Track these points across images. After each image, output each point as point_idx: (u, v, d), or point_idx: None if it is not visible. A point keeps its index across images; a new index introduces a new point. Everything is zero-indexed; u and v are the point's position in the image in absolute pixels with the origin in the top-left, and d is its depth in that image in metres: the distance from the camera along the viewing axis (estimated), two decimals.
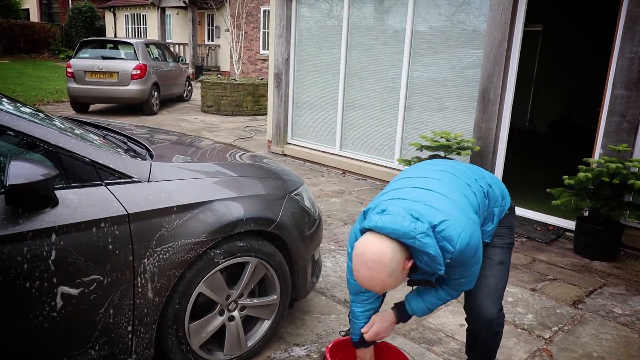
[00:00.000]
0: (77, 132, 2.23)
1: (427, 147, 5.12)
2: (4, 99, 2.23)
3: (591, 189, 4.20)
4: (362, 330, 2.17)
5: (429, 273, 1.91)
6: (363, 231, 1.87)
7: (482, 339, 2.20)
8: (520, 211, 5.21)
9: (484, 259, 2.12)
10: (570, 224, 4.69)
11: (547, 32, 9.53)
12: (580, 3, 8.62)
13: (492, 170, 5.31)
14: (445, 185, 1.98)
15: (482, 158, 5.26)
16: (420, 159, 5.24)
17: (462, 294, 2.20)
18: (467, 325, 2.27)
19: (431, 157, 5.22)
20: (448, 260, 1.82)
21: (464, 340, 2.88)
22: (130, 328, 2.08)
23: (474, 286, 2.14)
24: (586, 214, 4.48)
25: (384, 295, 2.24)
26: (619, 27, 4.30)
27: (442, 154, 5.18)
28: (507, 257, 2.22)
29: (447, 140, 5.06)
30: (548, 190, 4.49)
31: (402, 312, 2.15)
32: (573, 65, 9.33)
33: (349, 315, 2.29)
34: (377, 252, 1.75)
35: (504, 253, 2.21)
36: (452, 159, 5.13)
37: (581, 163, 4.26)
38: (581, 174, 4.08)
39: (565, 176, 4.26)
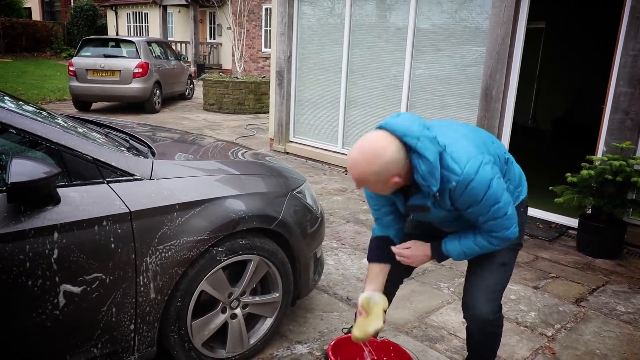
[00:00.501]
0: (79, 130, 2.22)
1: None
2: (6, 97, 2.23)
3: (594, 186, 4.19)
4: (393, 248, 2.12)
5: (426, 196, 1.85)
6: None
7: (475, 339, 2.19)
8: None
9: (485, 258, 2.08)
10: (573, 222, 4.68)
11: (550, 30, 9.49)
12: (583, 0, 8.58)
13: None
14: (465, 129, 1.97)
15: None
16: None
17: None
18: None
19: None
20: (454, 183, 1.77)
21: None
22: (132, 326, 2.08)
23: (471, 284, 2.12)
24: (589, 211, 4.46)
25: (400, 225, 2.18)
26: (623, 24, 4.28)
27: None
28: (510, 258, 2.14)
29: None
30: (551, 188, 4.47)
31: (437, 250, 2.07)
32: (576, 63, 9.30)
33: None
34: (380, 148, 1.74)
35: (508, 254, 2.12)
36: None
37: (584, 161, 4.25)
38: (584, 172, 4.07)
39: (568, 174, 4.24)
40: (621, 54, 4.29)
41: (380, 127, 1.81)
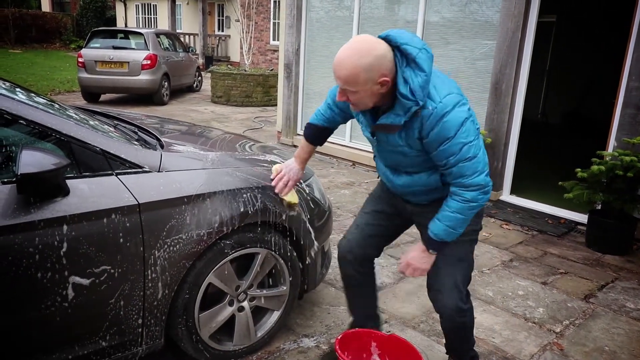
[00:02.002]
0: (88, 121, 2.23)
1: None
2: (18, 89, 2.23)
3: (604, 182, 4.15)
4: (398, 268, 2.13)
5: (403, 112, 1.81)
6: None
7: (448, 329, 2.24)
8: (531, 204, 5.17)
9: (441, 258, 2.06)
10: (582, 218, 4.64)
11: (561, 23, 9.40)
12: None
13: (504, 162, 5.26)
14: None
15: (493, 150, 5.21)
16: None
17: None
18: None
19: None
20: (430, 109, 1.76)
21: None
22: (140, 318, 2.08)
23: (435, 282, 2.11)
24: (599, 207, 4.43)
25: (335, 125, 2.32)
26: (636, 17, 4.23)
27: None
28: (466, 251, 2.13)
29: None
30: (560, 183, 4.44)
31: (427, 240, 2.01)
32: (587, 57, 9.21)
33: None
34: (370, 42, 1.73)
35: (464, 247, 2.10)
36: None
37: (594, 156, 4.21)
38: (594, 167, 4.03)
39: (578, 169, 4.21)
40: (634, 48, 4.24)
41: (382, 37, 1.80)
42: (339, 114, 2.24)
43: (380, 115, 1.90)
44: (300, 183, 2.66)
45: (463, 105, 1.81)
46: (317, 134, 2.33)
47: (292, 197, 2.42)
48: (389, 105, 1.85)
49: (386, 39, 1.77)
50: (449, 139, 1.79)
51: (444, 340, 2.79)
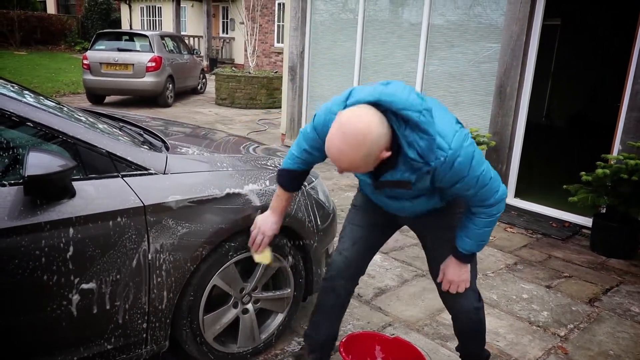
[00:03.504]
0: (94, 124, 2.24)
1: None
2: (26, 91, 2.24)
3: (609, 185, 4.14)
4: (438, 279, 2.10)
5: (411, 170, 1.76)
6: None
7: (467, 330, 2.24)
8: (536, 207, 5.16)
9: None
10: (587, 221, 4.63)
11: (566, 26, 9.39)
12: None
13: (508, 166, 5.26)
14: (436, 103, 1.88)
15: (497, 153, 5.21)
16: None
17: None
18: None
19: None
20: (442, 159, 1.69)
21: None
22: (145, 321, 2.09)
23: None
24: (603, 210, 4.41)
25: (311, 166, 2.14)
26: None
27: None
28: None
29: None
30: (565, 186, 4.43)
31: (458, 256, 2.01)
32: (592, 60, 9.19)
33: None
34: (362, 128, 1.59)
35: None
36: None
37: (599, 159, 4.20)
38: (599, 171, 4.02)
39: (583, 172, 4.20)
40: (639, 51, 4.23)
41: (370, 102, 1.66)
42: (319, 157, 2.08)
43: (384, 169, 1.81)
44: (305, 186, 2.67)
45: (468, 137, 1.75)
46: (296, 179, 2.15)
47: (263, 257, 2.20)
48: (391, 161, 1.76)
49: (376, 104, 1.65)
50: (464, 177, 1.75)
51: (448, 344, 2.79)
